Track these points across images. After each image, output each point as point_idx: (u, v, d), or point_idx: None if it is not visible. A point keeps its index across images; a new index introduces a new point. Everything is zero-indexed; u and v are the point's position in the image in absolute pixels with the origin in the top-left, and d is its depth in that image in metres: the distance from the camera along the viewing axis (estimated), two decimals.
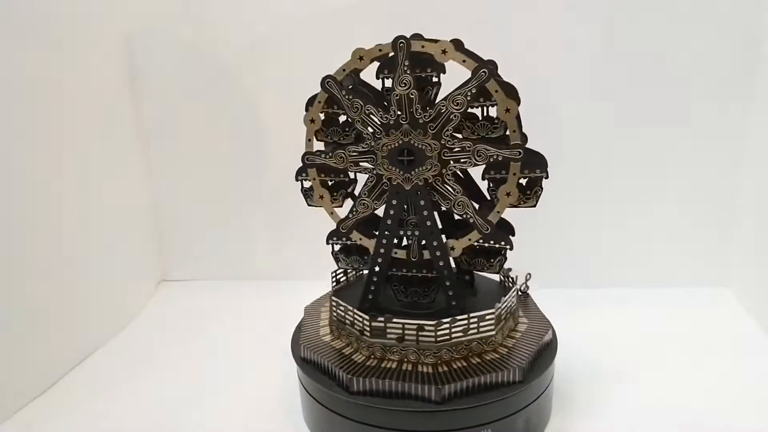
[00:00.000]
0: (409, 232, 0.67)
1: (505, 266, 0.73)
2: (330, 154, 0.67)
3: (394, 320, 0.63)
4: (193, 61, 1.04)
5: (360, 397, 0.62)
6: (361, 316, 0.65)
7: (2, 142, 0.75)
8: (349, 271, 0.78)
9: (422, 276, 0.69)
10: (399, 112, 0.62)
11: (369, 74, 0.68)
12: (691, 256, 1.03)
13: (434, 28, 0.66)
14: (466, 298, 0.70)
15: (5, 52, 0.75)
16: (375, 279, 0.68)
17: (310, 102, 0.67)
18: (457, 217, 0.69)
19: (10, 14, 0.76)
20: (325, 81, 0.64)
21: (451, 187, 0.64)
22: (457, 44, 0.63)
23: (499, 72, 0.64)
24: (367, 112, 0.63)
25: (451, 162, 0.63)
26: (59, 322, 0.84)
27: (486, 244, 0.68)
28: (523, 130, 0.68)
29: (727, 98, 0.95)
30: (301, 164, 0.70)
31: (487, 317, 0.64)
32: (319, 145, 0.69)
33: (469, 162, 0.62)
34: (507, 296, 0.67)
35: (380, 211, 0.68)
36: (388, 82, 0.67)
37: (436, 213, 0.68)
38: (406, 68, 0.60)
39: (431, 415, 0.60)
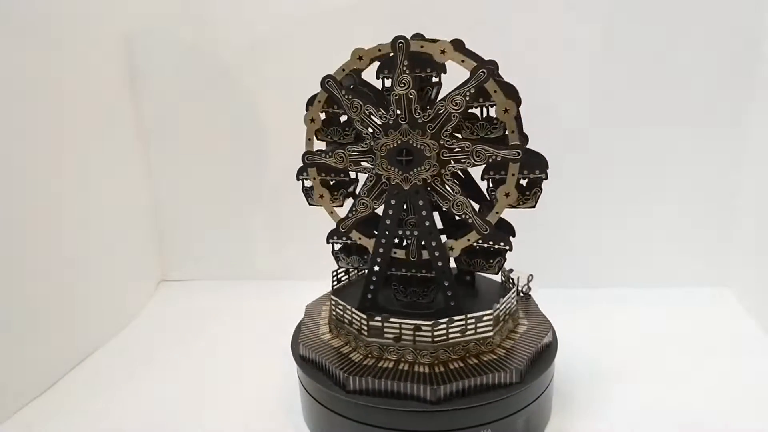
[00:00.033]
0: (408, 232, 0.67)
1: (507, 267, 0.73)
2: (330, 154, 0.67)
3: (391, 320, 0.63)
4: (193, 61, 1.04)
5: (356, 396, 0.62)
6: (358, 315, 0.66)
7: (2, 142, 0.75)
8: (350, 270, 0.78)
9: (421, 276, 0.69)
10: (398, 112, 0.62)
11: (371, 74, 0.68)
12: (691, 256, 1.03)
13: (434, 28, 0.66)
14: (465, 298, 0.70)
15: (5, 52, 0.75)
16: (374, 278, 0.68)
17: (311, 102, 0.67)
18: (457, 217, 0.69)
19: (10, 14, 0.76)
20: (325, 81, 0.64)
21: (450, 188, 0.64)
22: (458, 44, 0.63)
23: (500, 72, 0.64)
24: (366, 111, 0.63)
25: (450, 162, 0.63)
26: (59, 322, 0.84)
27: (485, 245, 0.68)
28: (524, 131, 0.68)
29: (727, 98, 0.95)
30: (301, 164, 0.70)
31: (485, 318, 0.64)
32: (319, 145, 0.69)
33: (468, 162, 0.62)
34: (506, 297, 0.67)
35: (380, 211, 0.68)
36: (389, 82, 0.67)
37: (436, 213, 0.68)
38: (405, 68, 0.60)
39: (428, 415, 0.60)
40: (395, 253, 0.68)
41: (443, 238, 0.68)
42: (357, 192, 0.70)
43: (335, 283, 0.77)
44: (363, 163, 0.66)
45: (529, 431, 0.66)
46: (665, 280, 1.03)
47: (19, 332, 0.77)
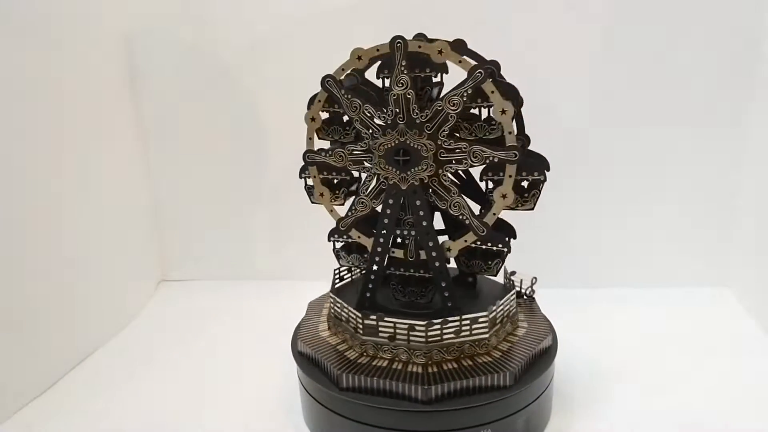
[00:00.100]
0: (405, 232, 0.67)
1: (510, 269, 0.73)
2: (330, 153, 0.67)
3: (386, 319, 0.64)
4: (193, 61, 1.04)
5: (349, 393, 0.62)
6: (354, 314, 0.66)
7: (2, 142, 0.75)
8: (353, 268, 0.78)
9: (420, 276, 0.69)
10: (397, 112, 0.62)
11: (372, 74, 0.68)
12: (691, 256, 1.03)
13: (434, 28, 0.66)
14: (465, 299, 0.70)
15: (5, 52, 0.75)
16: (372, 278, 0.68)
17: (311, 101, 0.68)
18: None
19: (10, 14, 0.76)
20: (325, 80, 0.64)
21: (448, 188, 0.64)
22: (457, 45, 0.63)
23: (501, 72, 0.64)
24: (365, 111, 0.63)
25: (448, 162, 0.63)
26: (59, 322, 0.84)
27: (483, 246, 0.68)
28: (525, 131, 0.68)
29: (727, 98, 0.95)
30: (303, 163, 0.70)
31: (480, 320, 0.64)
32: (320, 144, 0.69)
33: (466, 163, 0.62)
34: (503, 299, 0.67)
35: (379, 210, 0.68)
36: (389, 82, 0.67)
37: (438, 213, 0.68)
38: (403, 68, 0.60)
39: (419, 415, 0.60)
40: (393, 252, 0.68)
41: (444, 238, 0.68)
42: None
43: (337, 281, 0.77)
44: (362, 163, 0.66)
45: (529, 431, 0.66)
46: (665, 280, 1.03)
47: (19, 332, 0.77)
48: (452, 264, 0.70)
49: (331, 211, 0.71)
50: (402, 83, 0.60)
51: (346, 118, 0.68)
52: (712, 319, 0.94)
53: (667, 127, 0.97)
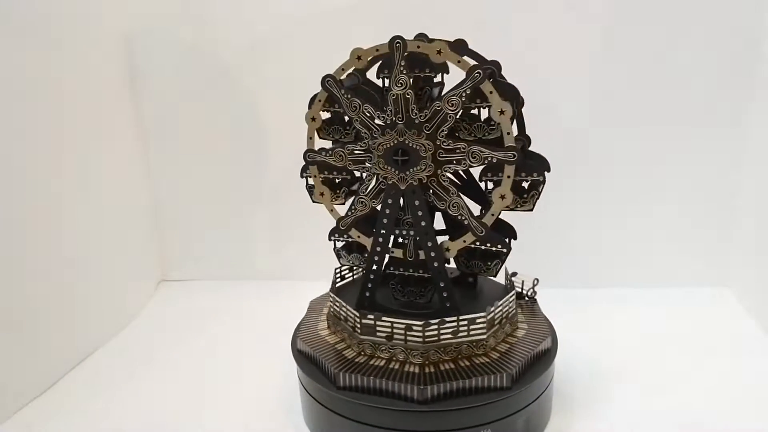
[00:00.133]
0: (405, 232, 0.67)
1: (512, 270, 0.73)
2: (330, 152, 0.67)
3: (383, 318, 0.64)
4: (193, 61, 1.04)
5: (346, 392, 0.62)
6: (353, 313, 0.66)
7: (2, 142, 0.75)
8: (354, 267, 0.78)
9: (419, 276, 0.69)
10: (396, 112, 0.62)
11: (373, 74, 0.69)
12: (691, 256, 1.03)
13: (434, 28, 0.66)
14: (465, 300, 0.70)
15: (5, 52, 0.75)
16: (372, 277, 0.69)
17: (312, 101, 0.68)
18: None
19: (10, 14, 0.76)
20: (325, 80, 0.64)
21: (447, 188, 0.64)
22: (458, 45, 0.63)
23: (502, 73, 0.63)
24: (365, 111, 0.63)
25: (447, 163, 0.63)
26: (59, 322, 0.84)
27: (482, 247, 0.68)
28: (526, 132, 0.68)
29: (727, 98, 0.95)
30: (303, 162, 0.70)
31: (478, 320, 0.63)
32: (320, 143, 0.69)
33: (465, 163, 0.62)
34: (502, 300, 0.67)
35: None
36: (388, 82, 0.67)
37: (438, 213, 0.68)
38: (402, 68, 0.60)
39: (415, 415, 0.60)
40: (393, 252, 0.68)
41: (444, 238, 0.68)
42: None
43: (338, 280, 0.77)
44: (361, 162, 0.66)
45: (529, 431, 0.66)
46: (665, 280, 1.03)
47: (19, 332, 0.77)
48: (454, 264, 0.70)
49: (332, 210, 0.71)
50: (401, 83, 0.60)
51: (346, 117, 0.68)
52: (712, 319, 0.94)
53: (667, 127, 0.97)
